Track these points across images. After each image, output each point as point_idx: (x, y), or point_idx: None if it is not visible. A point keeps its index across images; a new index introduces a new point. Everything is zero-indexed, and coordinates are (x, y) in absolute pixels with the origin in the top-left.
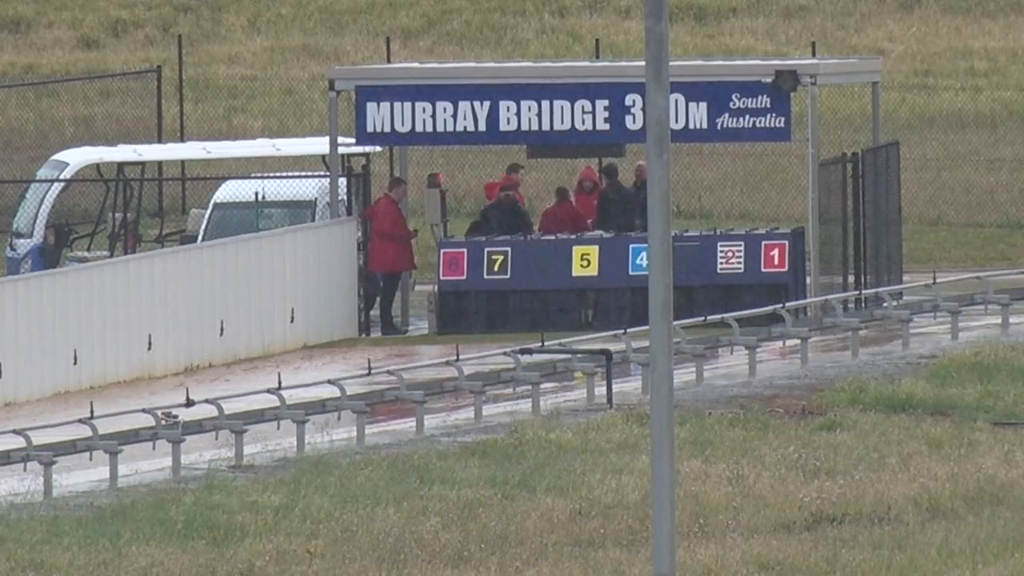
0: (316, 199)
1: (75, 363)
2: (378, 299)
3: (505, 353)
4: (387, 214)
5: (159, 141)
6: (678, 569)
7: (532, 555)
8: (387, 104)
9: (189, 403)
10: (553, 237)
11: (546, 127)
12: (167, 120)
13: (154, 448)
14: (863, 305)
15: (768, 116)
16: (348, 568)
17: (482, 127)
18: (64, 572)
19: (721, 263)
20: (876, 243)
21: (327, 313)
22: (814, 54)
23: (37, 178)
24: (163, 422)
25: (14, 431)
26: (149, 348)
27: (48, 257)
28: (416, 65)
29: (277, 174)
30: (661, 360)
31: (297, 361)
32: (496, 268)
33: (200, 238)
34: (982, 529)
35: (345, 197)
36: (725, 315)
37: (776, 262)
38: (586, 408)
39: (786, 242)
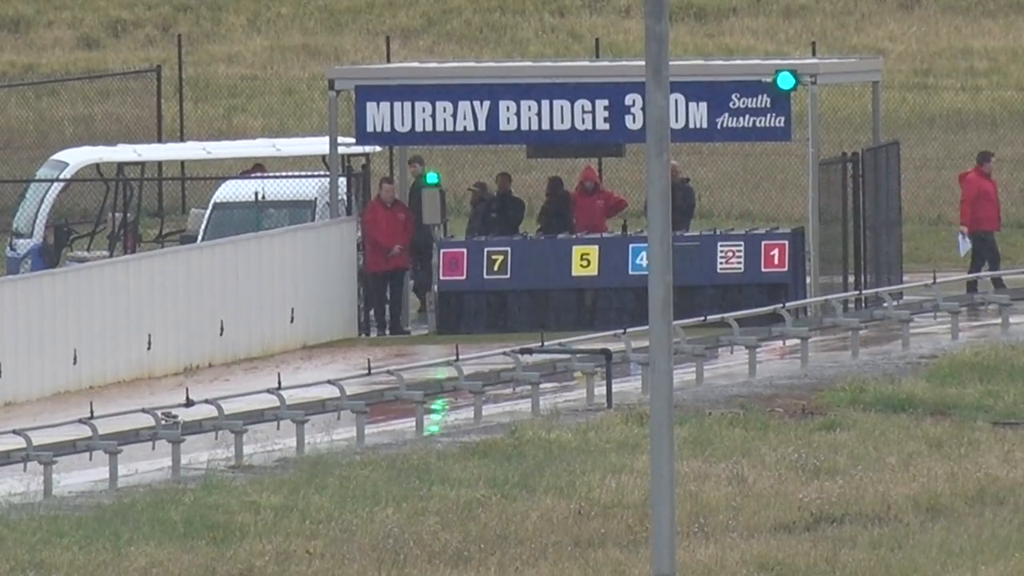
0: (316, 199)
1: (75, 363)
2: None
3: (505, 353)
4: (366, 215)
5: (159, 141)
6: (678, 569)
7: (532, 555)
8: (387, 104)
9: (189, 403)
10: (553, 237)
11: (546, 127)
12: (167, 120)
13: (154, 448)
14: (863, 305)
15: (768, 116)
16: (348, 568)
17: (482, 127)
18: (64, 572)
19: (721, 263)
20: (876, 243)
21: (327, 313)
22: (814, 54)
23: (37, 178)
24: (163, 422)
25: (14, 431)
26: (149, 348)
27: (48, 257)
28: (416, 65)
29: (277, 174)
30: (661, 360)
31: (297, 361)
32: (496, 268)
33: (200, 238)
34: (982, 529)
35: (345, 197)
36: (725, 315)
37: (776, 262)
38: (586, 408)
39: (786, 242)
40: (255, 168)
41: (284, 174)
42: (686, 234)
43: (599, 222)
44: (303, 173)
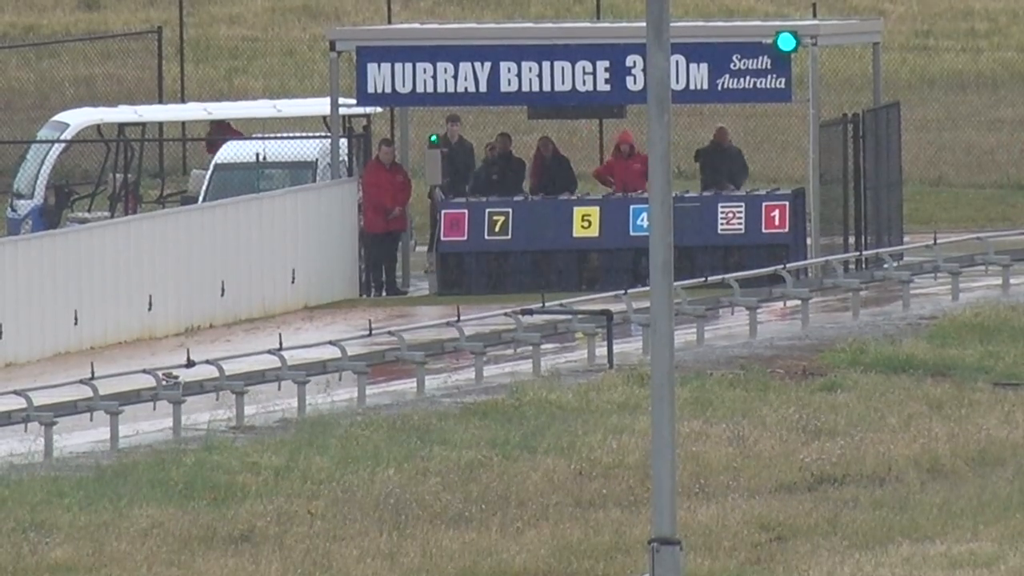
0: (317, 160)
1: (76, 324)
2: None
3: (506, 314)
4: (366, 176)
5: (160, 102)
6: (679, 529)
7: (533, 516)
8: (388, 65)
9: (190, 364)
10: (554, 198)
11: (547, 88)
12: (168, 81)
13: (155, 409)
14: (864, 266)
15: (769, 77)
16: (349, 529)
17: (483, 88)
18: (65, 532)
19: (722, 224)
20: (877, 204)
21: (328, 274)
22: (815, 15)
23: (38, 139)
24: (164, 383)
25: (15, 392)
26: (150, 309)
27: (49, 218)
28: (417, 26)
29: (278, 135)
30: (662, 321)
31: (298, 322)
32: (497, 229)
33: (201, 199)
34: (983, 490)
35: (346, 158)
36: (726, 276)
37: (777, 223)
38: (587, 369)
39: (787, 203)
40: (218, 128)
41: (285, 135)
42: (687, 195)
43: (639, 185)
44: (304, 134)
